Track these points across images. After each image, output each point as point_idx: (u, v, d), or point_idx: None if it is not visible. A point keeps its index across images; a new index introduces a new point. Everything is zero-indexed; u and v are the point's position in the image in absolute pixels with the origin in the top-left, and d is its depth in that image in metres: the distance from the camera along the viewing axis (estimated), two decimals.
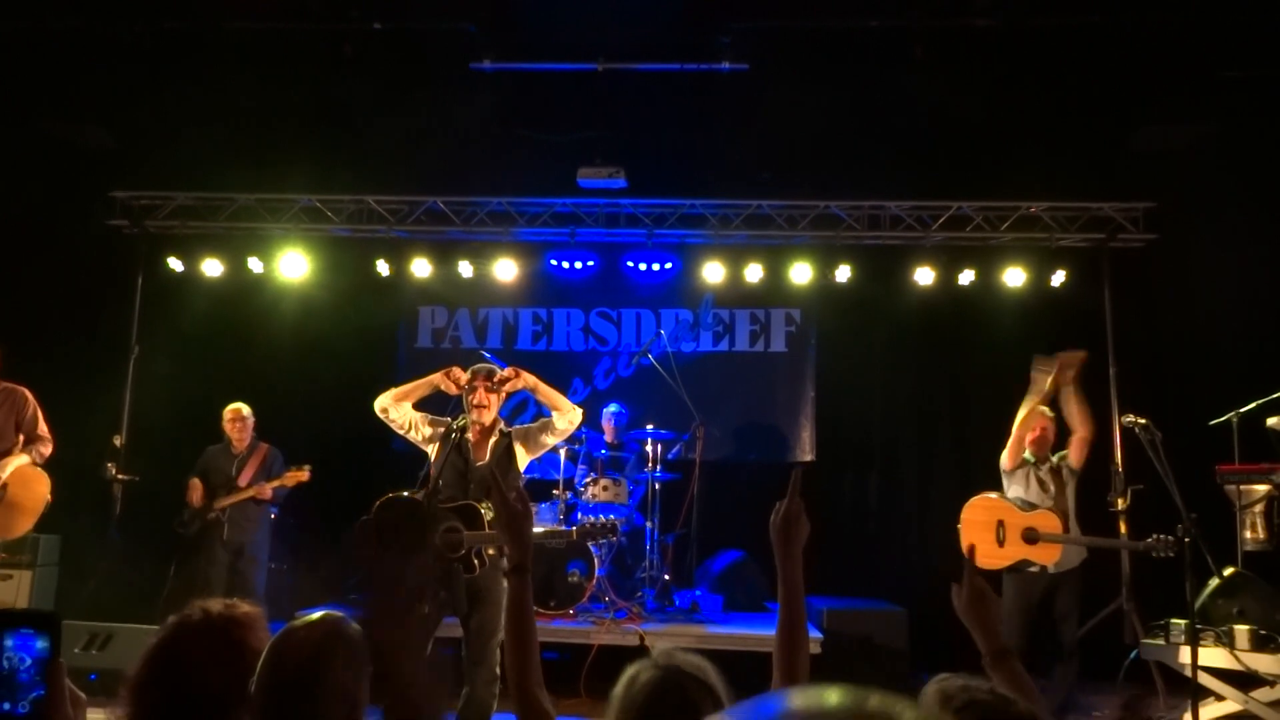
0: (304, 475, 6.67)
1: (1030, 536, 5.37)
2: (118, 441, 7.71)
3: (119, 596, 7.03)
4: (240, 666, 1.84)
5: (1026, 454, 5.65)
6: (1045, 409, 5.64)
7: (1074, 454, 5.59)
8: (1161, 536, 5.12)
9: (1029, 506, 5.48)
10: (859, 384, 8.37)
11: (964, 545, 5.51)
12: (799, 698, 0.53)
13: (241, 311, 8.40)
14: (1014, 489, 5.63)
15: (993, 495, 5.62)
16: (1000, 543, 5.43)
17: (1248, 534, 5.93)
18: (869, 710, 0.52)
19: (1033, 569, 5.40)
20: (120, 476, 7.59)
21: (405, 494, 4.53)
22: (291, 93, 7.55)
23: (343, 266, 8.43)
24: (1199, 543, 4.47)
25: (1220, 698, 5.37)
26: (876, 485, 8.39)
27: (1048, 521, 5.37)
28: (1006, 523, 5.45)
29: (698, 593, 7.09)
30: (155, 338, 8.12)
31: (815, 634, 6.42)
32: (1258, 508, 5.92)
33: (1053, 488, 5.53)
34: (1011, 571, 5.44)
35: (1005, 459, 5.67)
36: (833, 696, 0.53)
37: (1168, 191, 7.51)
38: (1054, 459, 5.63)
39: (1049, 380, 5.64)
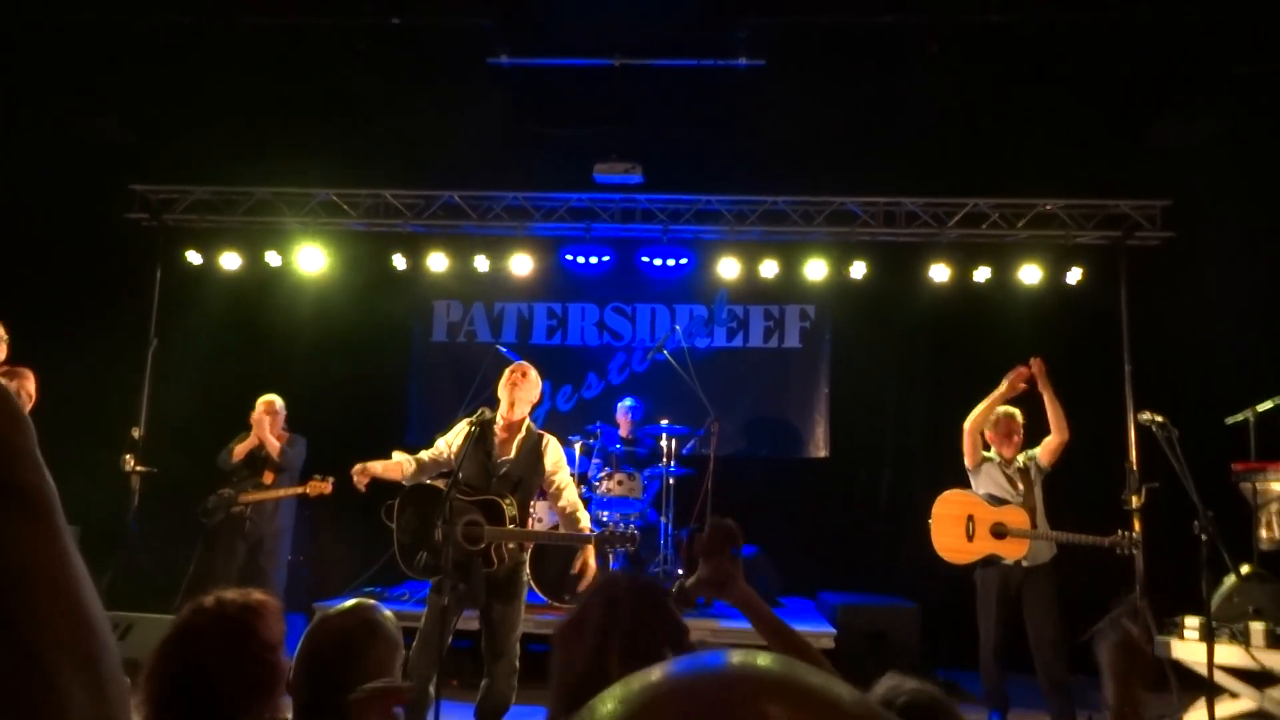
0: (326, 488, 6.53)
1: (998, 531, 5.42)
2: (136, 434, 7.77)
3: (137, 587, 7.11)
4: (254, 655, 1.86)
5: (990, 452, 5.68)
6: (1013, 410, 5.65)
7: (1045, 455, 5.60)
8: (1125, 533, 5.19)
9: (997, 502, 5.52)
10: (873, 380, 8.38)
11: (934, 539, 5.60)
12: (737, 655, 0.57)
13: (259, 305, 8.47)
14: (981, 486, 5.68)
15: (963, 490, 5.68)
16: (970, 537, 5.49)
17: (1264, 532, 5.92)
18: (801, 679, 0.55)
19: (1005, 563, 5.44)
20: (138, 468, 7.65)
21: (428, 482, 4.58)
22: (309, 88, 7.60)
23: (359, 260, 8.48)
24: (1216, 540, 4.47)
25: (1235, 695, 5.38)
26: (889, 481, 8.40)
27: (1016, 517, 5.41)
28: (975, 518, 5.50)
29: None
30: (173, 330, 8.18)
31: (828, 629, 6.45)
32: (1274, 506, 5.92)
33: (1020, 485, 5.55)
34: (984, 565, 5.50)
35: (966, 459, 5.72)
36: (764, 659, 0.57)
37: (1184, 189, 7.48)
38: (1021, 458, 5.65)
39: (1005, 384, 5.64)
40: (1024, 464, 5.65)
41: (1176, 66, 7.07)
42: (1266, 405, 5.89)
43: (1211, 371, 7.20)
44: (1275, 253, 7.21)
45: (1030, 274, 7.84)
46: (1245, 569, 5.34)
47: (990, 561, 5.47)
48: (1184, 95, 7.22)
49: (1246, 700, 5.32)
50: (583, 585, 4.70)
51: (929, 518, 5.72)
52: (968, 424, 5.68)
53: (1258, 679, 5.26)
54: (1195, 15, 6.76)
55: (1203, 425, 6.07)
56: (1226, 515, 5.75)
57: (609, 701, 0.55)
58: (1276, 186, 7.16)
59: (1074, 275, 7.84)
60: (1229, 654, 5.25)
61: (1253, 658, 5.16)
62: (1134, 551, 5.23)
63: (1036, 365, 5.60)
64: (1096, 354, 7.62)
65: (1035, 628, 5.42)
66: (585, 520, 4.72)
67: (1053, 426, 5.58)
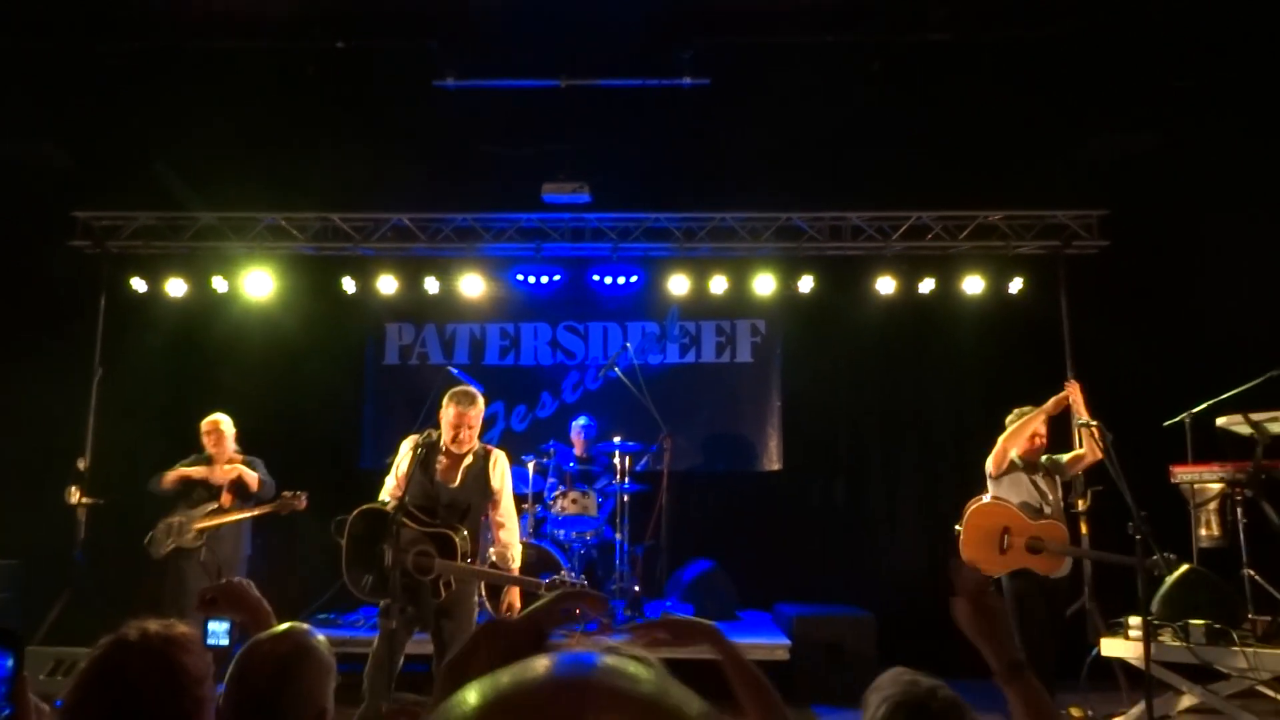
0: (300, 503, 6.18)
1: (1035, 547, 5.21)
2: (81, 465, 7.63)
3: (85, 622, 6.95)
4: (176, 687, 1.82)
5: (1014, 457, 5.49)
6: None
7: (1072, 466, 5.50)
8: (1168, 555, 5.02)
9: (1036, 515, 5.31)
10: (824, 392, 8.47)
11: (964, 549, 5.35)
12: (611, 658, 0.59)
13: (206, 331, 8.35)
14: (1010, 494, 5.45)
15: (997, 500, 5.42)
16: (1002, 550, 5.27)
17: (1202, 531, 6.08)
18: (667, 699, 0.57)
19: (1035, 575, 5.22)
20: (84, 500, 7.50)
21: (378, 505, 4.56)
22: (255, 112, 7.56)
23: (308, 285, 8.41)
24: (1149, 540, 4.57)
25: (1180, 691, 5.50)
26: (843, 492, 8.47)
27: (1055, 533, 5.22)
28: (1012, 530, 5.27)
29: (668, 603, 7.14)
30: (119, 359, 8.05)
31: (784, 640, 6.49)
32: (1211, 505, 6.07)
33: (1051, 495, 5.38)
34: (1013, 576, 5.28)
35: (990, 464, 5.53)
36: (644, 673, 0.59)
37: (1120, 199, 7.69)
38: (1045, 459, 5.50)
39: (1051, 404, 5.50)
40: (1048, 467, 5.50)
41: (1109, 81, 7.28)
42: (1201, 408, 6.04)
43: (1150, 376, 7.38)
44: (1207, 260, 7.42)
45: (973, 284, 7.99)
46: (1185, 568, 5.46)
47: (1019, 573, 5.26)
48: (1118, 108, 7.43)
49: (1190, 696, 5.45)
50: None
51: (959, 524, 5.45)
52: (1005, 438, 5.45)
53: (1200, 674, 5.39)
54: (1129, 31, 6.98)
55: (1142, 429, 6.22)
56: (1168, 516, 5.90)
57: (470, 695, 0.58)
58: (1208, 196, 7.36)
59: (1016, 285, 7.99)
60: (1171, 651, 5.36)
61: (1194, 654, 5.28)
62: (1168, 573, 5.12)
63: (1073, 389, 5.51)
64: (1039, 361, 7.76)
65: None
66: (516, 553, 4.76)
67: (1086, 446, 5.47)
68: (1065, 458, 5.56)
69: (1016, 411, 5.57)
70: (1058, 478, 5.49)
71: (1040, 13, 7.01)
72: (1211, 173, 7.27)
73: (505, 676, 0.59)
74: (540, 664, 0.60)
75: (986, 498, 5.49)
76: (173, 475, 6.36)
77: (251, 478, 6.39)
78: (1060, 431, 5.77)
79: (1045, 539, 5.20)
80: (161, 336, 8.18)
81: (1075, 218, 7.88)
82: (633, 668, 0.58)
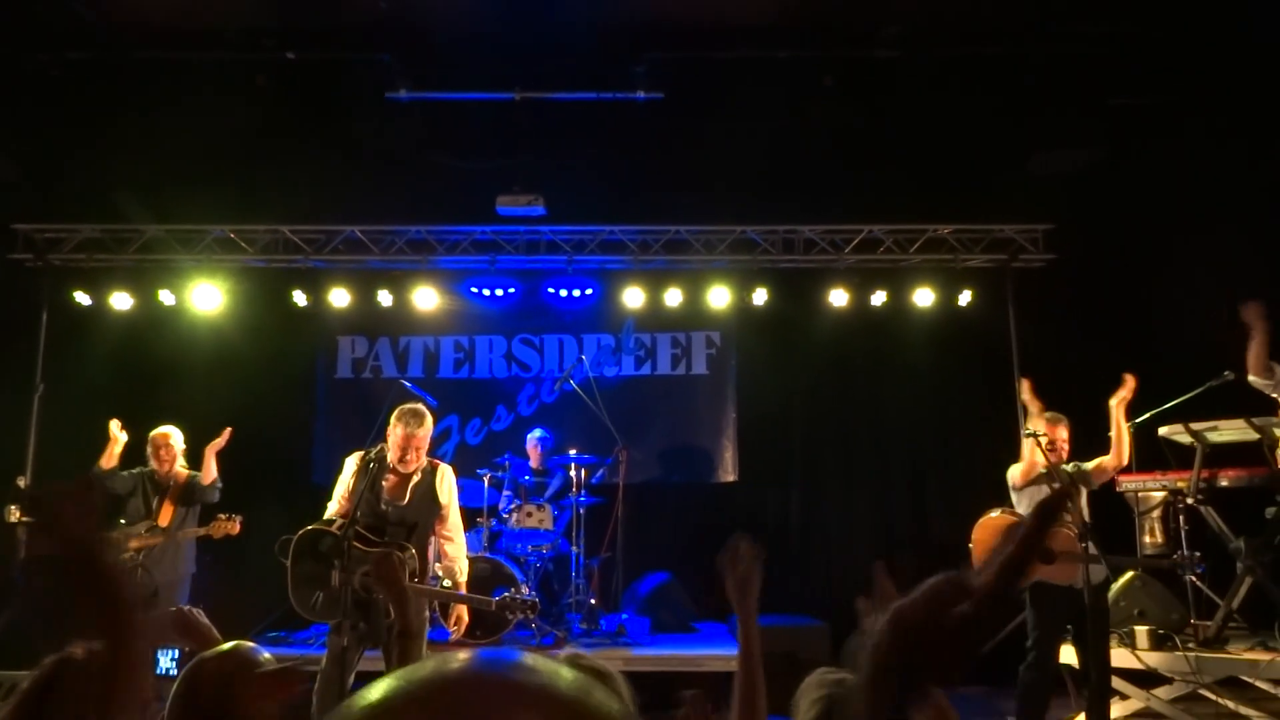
0: (234, 528, 6.13)
1: (1046, 556, 4.77)
2: (22, 483, 7.42)
3: (25, 645, 6.75)
4: (127, 710, 1.77)
5: (1041, 468, 5.21)
6: (1061, 416, 5.33)
7: (1097, 474, 5.26)
8: (1183, 554, 4.93)
9: None
10: (779, 403, 8.52)
11: (976, 564, 5.04)
12: (530, 659, 0.59)
13: (153, 346, 8.18)
14: (1026, 503, 5.23)
15: (1002, 512, 5.20)
16: None
17: (1147, 539, 6.23)
18: (589, 699, 0.57)
19: (1057, 586, 4.96)
20: (24, 519, 7.29)
21: (322, 525, 4.48)
22: (203, 123, 7.44)
23: (258, 298, 8.28)
24: (1096, 548, 4.65)
25: (1125, 696, 5.61)
26: (798, 502, 8.53)
27: (1064, 540, 4.91)
28: None
29: (624, 616, 7.13)
30: (61, 375, 7.85)
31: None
32: (1155, 513, 6.23)
33: (1070, 504, 5.00)
34: (1034, 588, 5.00)
35: (1017, 476, 5.29)
36: (566, 673, 0.58)
37: (1065, 213, 7.86)
38: (1069, 468, 5.26)
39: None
40: (1072, 475, 5.25)
41: (1054, 98, 7.45)
42: (1144, 418, 6.18)
43: (1094, 386, 7.53)
44: (1150, 272, 7.60)
45: (924, 297, 8.11)
46: (1129, 574, 5.57)
47: (1040, 584, 4.98)
48: (1062, 124, 7.59)
49: (1135, 700, 5.56)
50: (457, 635, 4.69)
51: (969, 542, 5.20)
52: (1030, 449, 5.16)
53: (1144, 679, 5.50)
54: (1073, 50, 7.15)
55: (1088, 438, 6.34)
56: (1114, 524, 6.03)
57: (376, 689, 0.57)
58: (1150, 211, 7.55)
59: (965, 297, 8.13)
60: (1117, 657, 5.46)
61: (1139, 659, 5.39)
62: (1195, 572, 4.96)
63: (1130, 383, 5.25)
64: (988, 372, 7.91)
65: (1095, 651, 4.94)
66: (463, 568, 4.75)
67: (1114, 449, 5.24)
68: (1089, 466, 5.31)
69: (1047, 415, 5.30)
70: (1082, 486, 5.21)
71: (987, 32, 7.15)
72: (1153, 188, 7.46)
73: (421, 670, 0.58)
74: (458, 659, 0.59)
75: (995, 512, 5.23)
76: (108, 456, 6.24)
77: (204, 477, 6.29)
78: (1091, 438, 5.52)
79: (1055, 547, 4.85)
80: (106, 351, 7.99)
81: (1022, 232, 8.05)
82: (554, 666, 0.58)
